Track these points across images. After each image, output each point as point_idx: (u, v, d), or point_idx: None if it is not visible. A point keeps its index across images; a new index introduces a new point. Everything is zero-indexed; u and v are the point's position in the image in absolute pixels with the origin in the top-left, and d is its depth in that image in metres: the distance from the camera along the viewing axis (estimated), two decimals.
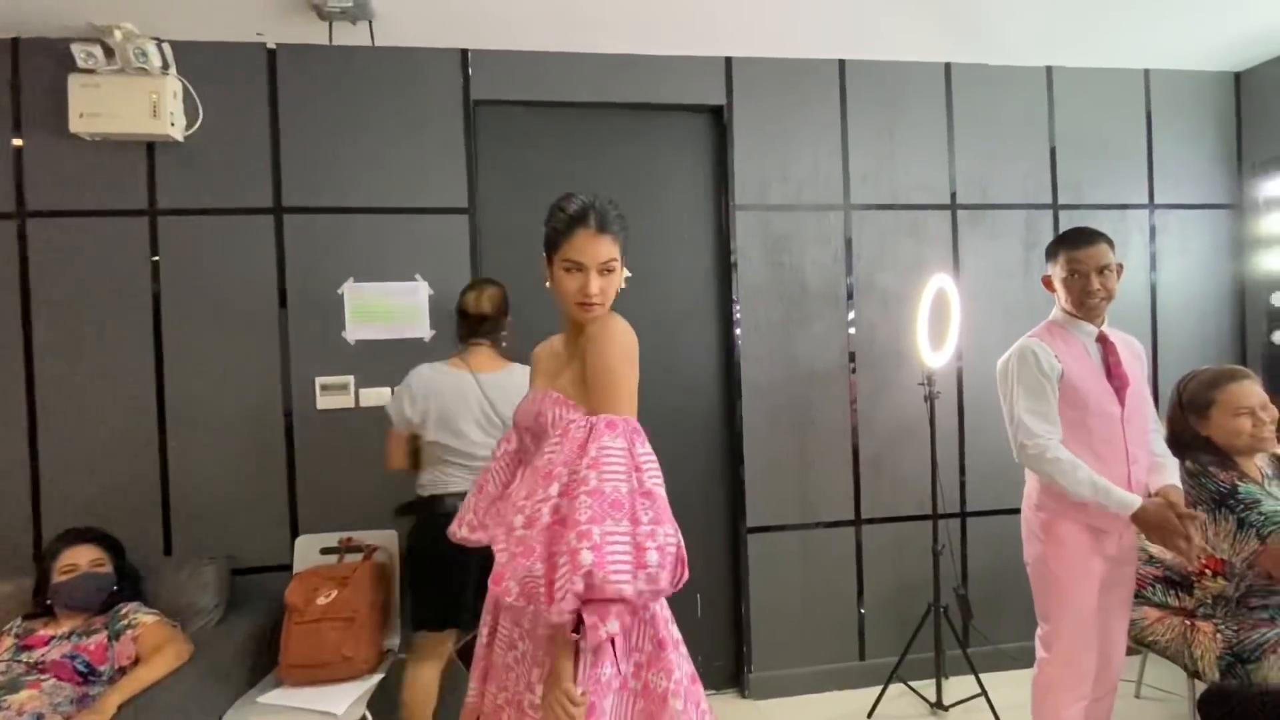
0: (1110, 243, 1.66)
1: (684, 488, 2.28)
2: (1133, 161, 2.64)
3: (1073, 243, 1.67)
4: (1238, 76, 2.71)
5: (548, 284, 1.21)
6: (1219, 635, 1.66)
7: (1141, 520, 1.51)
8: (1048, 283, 1.74)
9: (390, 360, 2.20)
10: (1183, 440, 1.72)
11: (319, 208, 2.18)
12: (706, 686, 2.44)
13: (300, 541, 2.10)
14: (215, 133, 2.12)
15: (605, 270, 1.16)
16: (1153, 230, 2.65)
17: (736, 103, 2.40)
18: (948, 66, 2.52)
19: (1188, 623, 1.75)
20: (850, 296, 2.47)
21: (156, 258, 2.11)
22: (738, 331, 2.41)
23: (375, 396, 2.18)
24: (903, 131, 2.49)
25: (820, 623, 2.44)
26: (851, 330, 2.47)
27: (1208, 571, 1.72)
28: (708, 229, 2.47)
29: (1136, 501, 1.51)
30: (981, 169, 2.53)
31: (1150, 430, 1.69)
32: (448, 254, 2.24)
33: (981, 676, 2.24)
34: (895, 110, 2.49)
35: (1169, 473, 1.64)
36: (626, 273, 1.22)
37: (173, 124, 2.00)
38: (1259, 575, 1.61)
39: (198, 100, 2.09)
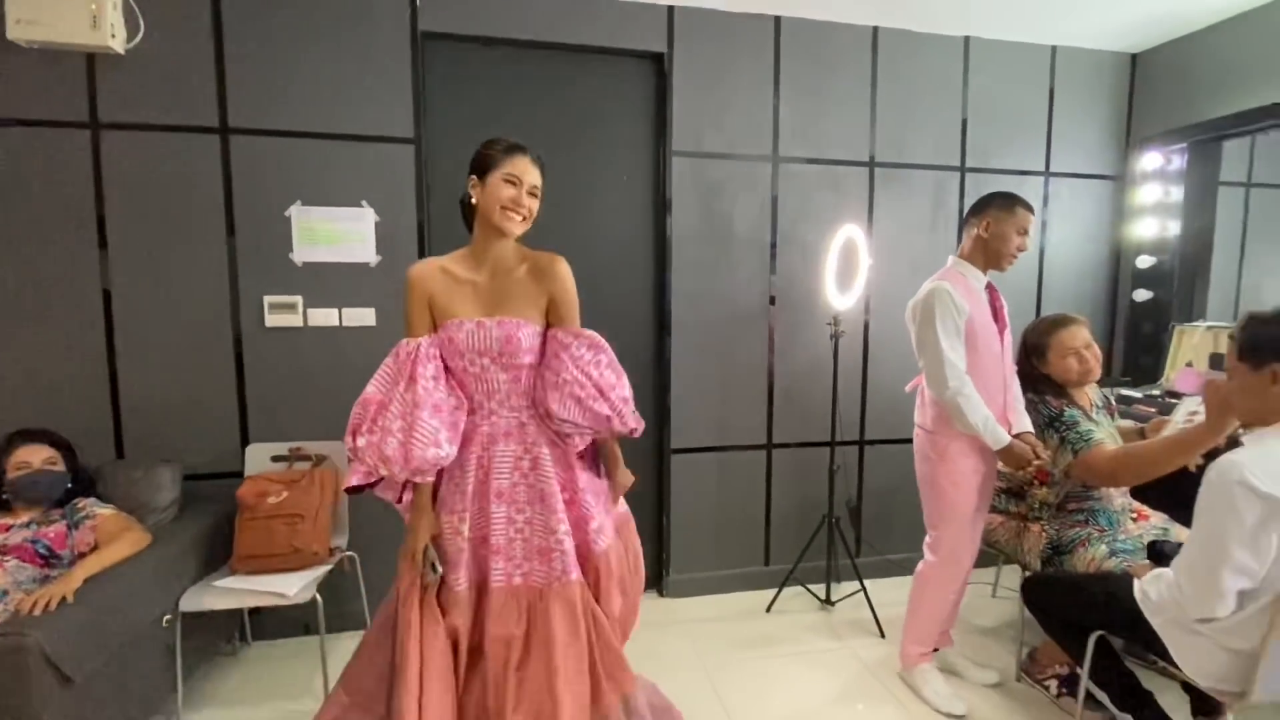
0: None
1: None
2: (1034, 131, 2.90)
3: (1027, 206, 1.89)
4: (1134, 58, 2.98)
5: (473, 199, 1.47)
6: (1044, 534, 2.02)
7: (1005, 453, 1.84)
8: (986, 227, 1.89)
9: (337, 283, 2.31)
10: (1028, 377, 2.04)
11: (266, 130, 2.23)
12: None
13: (251, 449, 2.24)
14: (157, 48, 2.13)
15: (532, 194, 1.46)
16: (1046, 197, 2.95)
17: (677, 51, 2.53)
18: (875, 30, 2.69)
19: (1022, 524, 2.10)
20: (774, 244, 2.68)
21: (100, 170, 2.13)
22: (670, 271, 2.60)
23: (323, 317, 2.30)
24: (830, 90, 2.67)
25: (731, 532, 2.75)
26: (773, 276, 2.69)
27: (1036, 482, 2.06)
28: (646, 172, 2.63)
29: (1006, 439, 1.83)
30: (899, 130, 2.75)
31: (1014, 369, 2.00)
32: (394, 183, 2.33)
33: (870, 582, 2.60)
34: (824, 69, 2.66)
35: (1027, 418, 1.96)
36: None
37: (113, 36, 2.01)
38: (1074, 483, 1.96)
39: (139, 13, 2.09)
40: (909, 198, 2.79)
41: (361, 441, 1.40)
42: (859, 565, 2.66)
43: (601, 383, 1.46)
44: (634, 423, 1.51)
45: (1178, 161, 2.80)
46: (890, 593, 2.66)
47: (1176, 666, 1.48)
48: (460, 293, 1.48)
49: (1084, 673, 1.72)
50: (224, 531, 2.09)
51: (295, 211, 2.26)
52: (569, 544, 1.47)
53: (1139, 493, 2.07)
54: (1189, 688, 1.67)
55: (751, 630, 2.46)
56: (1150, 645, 1.53)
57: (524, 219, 1.46)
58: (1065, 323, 2.00)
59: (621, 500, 1.67)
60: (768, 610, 2.59)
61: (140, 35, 2.10)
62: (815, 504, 2.74)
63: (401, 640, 1.43)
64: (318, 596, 1.92)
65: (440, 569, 1.46)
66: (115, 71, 2.11)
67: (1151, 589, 1.52)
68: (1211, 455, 1.43)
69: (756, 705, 2.00)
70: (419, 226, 2.36)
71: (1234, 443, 1.52)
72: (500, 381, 1.47)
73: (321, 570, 2.02)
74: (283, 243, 2.27)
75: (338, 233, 2.28)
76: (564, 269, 1.49)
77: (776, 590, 2.64)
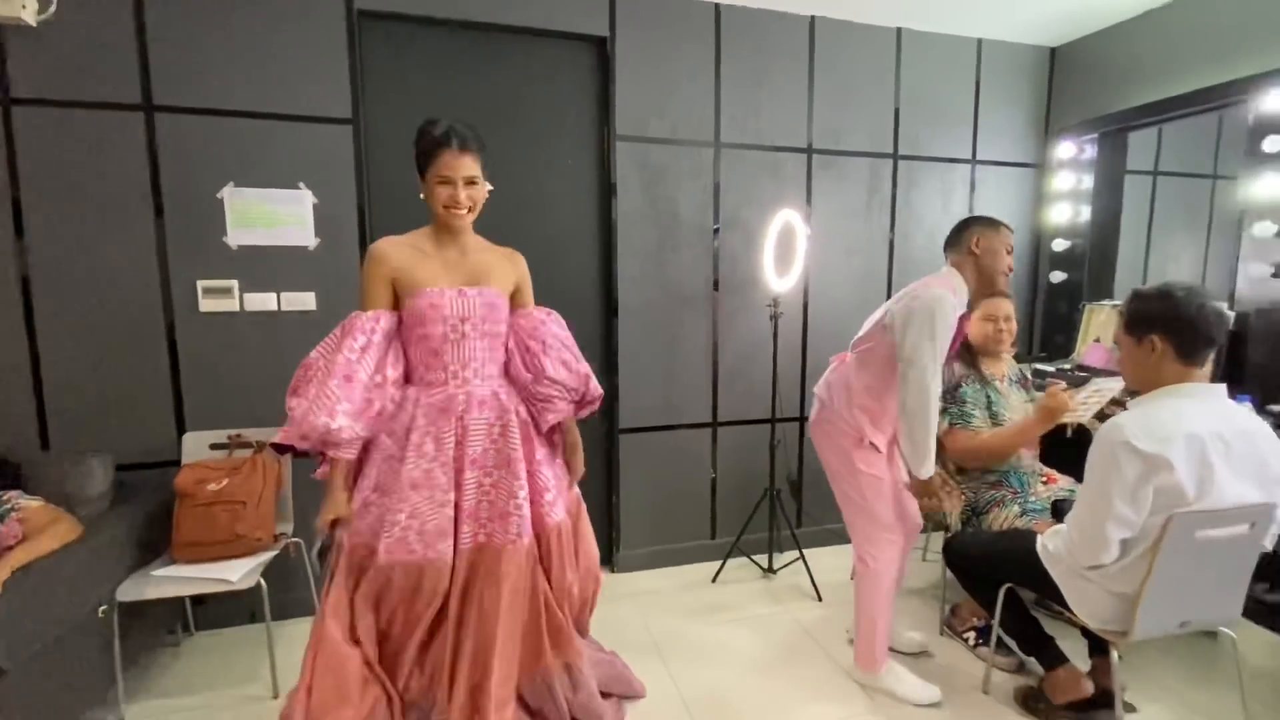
0: None
1: None
2: (961, 121, 3.05)
3: (1008, 226, 1.87)
4: (1053, 51, 3.16)
5: (421, 195, 1.52)
6: (963, 496, 2.17)
7: (919, 486, 1.81)
8: (977, 243, 1.84)
9: (275, 267, 2.27)
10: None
11: (193, 108, 2.16)
12: None
13: (189, 437, 2.19)
14: (73, 19, 2.02)
15: (469, 183, 1.50)
16: (973, 183, 3.11)
17: (619, 35, 2.55)
18: (812, 20, 2.77)
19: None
20: (717, 228, 2.76)
21: (13, 149, 2.03)
22: (616, 255, 2.64)
23: (260, 301, 2.26)
24: (769, 78, 2.75)
25: (679, 508, 2.84)
26: (717, 259, 2.77)
27: None
28: (591, 157, 2.65)
29: (930, 472, 1.78)
30: (835, 118, 2.85)
31: None
32: (332, 164, 2.29)
33: (809, 550, 2.73)
34: (763, 57, 2.73)
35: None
36: (488, 185, 1.55)
37: (24, 6, 1.91)
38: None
39: None
40: (845, 183, 2.91)
41: (293, 402, 1.47)
42: (799, 535, 2.80)
43: (576, 350, 1.71)
44: (599, 389, 1.75)
45: (1089, 151, 2.99)
46: (828, 559, 2.81)
47: (1073, 612, 1.64)
48: (431, 265, 1.54)
49: (995, 622, 1.87)
50: (162, 521, 2.05)
51: (228, 193, 2.20)
52: (526, 510, 1.54)
53: (1049, 458, 2.26)
54: (1086, 632, 1.84)
55: (698, 600, 2.56)
56: (1051, 594, 1.68)
57: (469, 210, 1.52)
58: (995, 294, 2.19)
59: (575, 487, 1.77)
60: (713, 580, 2.70)
61: (54, 6, 2.00)
62: (758, 478, 2.85)
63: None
64: (262, 582, 1.91)
65: (319, 564, 1.56)
66: (27, 44, 2.00)
67: (1050, 542, 1.67)
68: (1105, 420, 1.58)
69: (700, 669, 2.10)
70: (359, 209, 2.33)
71: (1123, 407, 1.68)
72: (478, 349, 1.55)
73: (266, 556, 2.01)
74: (216, 225, 2.21)
75: (274, 215, 2.23)
76: (524, 262, 1.71)
77: (722, 561, 2.75)
